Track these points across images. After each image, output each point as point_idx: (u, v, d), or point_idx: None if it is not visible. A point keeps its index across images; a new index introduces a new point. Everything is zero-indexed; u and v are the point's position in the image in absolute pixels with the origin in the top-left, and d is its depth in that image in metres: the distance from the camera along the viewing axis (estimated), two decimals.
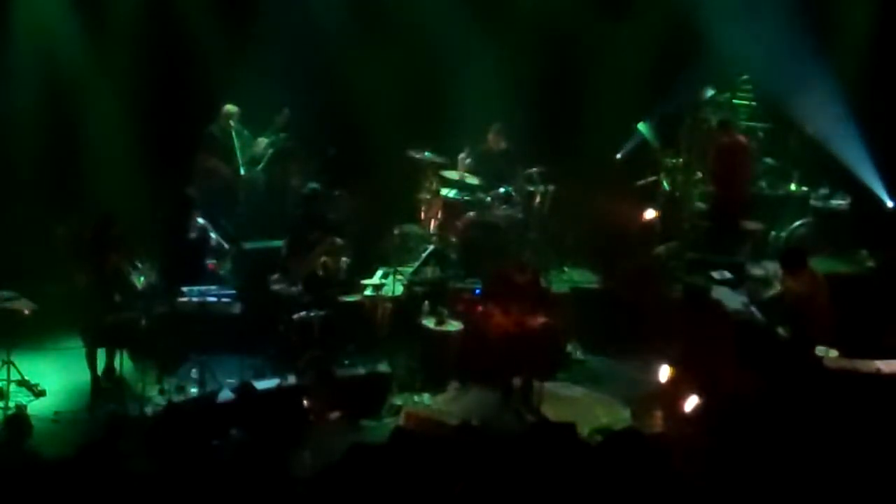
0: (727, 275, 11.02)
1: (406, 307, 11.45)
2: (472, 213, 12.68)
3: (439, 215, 12.81)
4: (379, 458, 7.24)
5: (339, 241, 11.32)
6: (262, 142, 12.83)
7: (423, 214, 13.04)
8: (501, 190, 12.76)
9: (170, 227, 11.36)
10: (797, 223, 12.54)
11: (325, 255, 11.10)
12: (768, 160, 13.11)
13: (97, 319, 10.30)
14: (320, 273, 11.04)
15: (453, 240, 12.63)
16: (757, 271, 11.27)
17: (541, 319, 10.62)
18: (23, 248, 11.85)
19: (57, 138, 12.76)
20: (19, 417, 9.27)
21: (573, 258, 13.22)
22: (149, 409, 9.91)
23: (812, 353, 9.71)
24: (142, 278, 10.47)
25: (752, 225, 12.55)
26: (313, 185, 11.99)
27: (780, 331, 9.96)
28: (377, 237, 12.84)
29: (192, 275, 10.86)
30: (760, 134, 13.06)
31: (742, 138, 12.48)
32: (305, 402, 10.05)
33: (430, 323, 11.10)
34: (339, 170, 13.07)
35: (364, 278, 11.70)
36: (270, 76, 13.10)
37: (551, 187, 12.97)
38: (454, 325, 11.09)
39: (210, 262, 11.47)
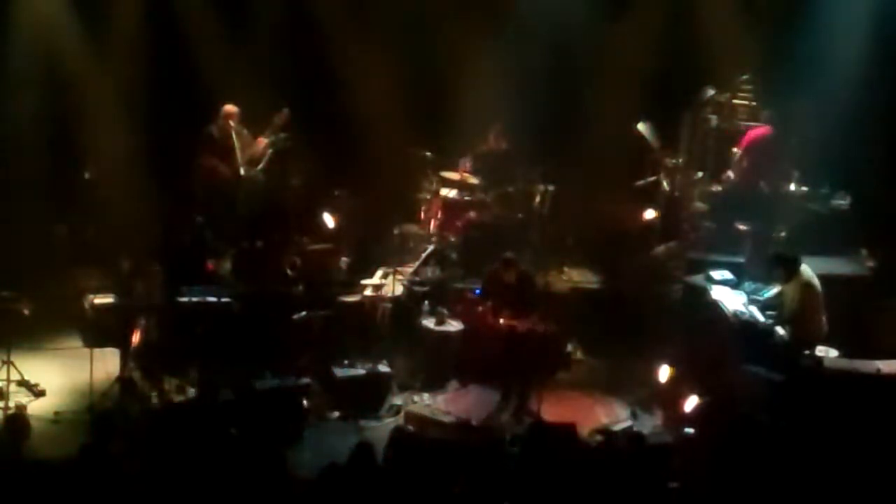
0: (727, 275, 11.01)
1: (406, 307, 11.45)
2: (472, 213, 12.69)
3: (439, 215, 12.81)
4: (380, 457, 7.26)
5: (304, 239, 11.34)
6: (262, 142, 12.82)
7: (423, 214, 13.04)
8: (501, 190, 12.76)
9: (169, 227, 11.36)
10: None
11: (292, 255, 11.12)
12: None
13: (97, 319, 10.30)
14: (289, 273, 11.04)
15: (453, 240, 12.63)
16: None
17: (531, 320, 10.59)
18: (23, 248, 11.85)
19: (56, 138, 12.75)
20: (19, 418, 9.27)
21: (573, 258, 13.22)
22: (149, 409, 9.91)
23: (809, 354, 9.71)
24: None
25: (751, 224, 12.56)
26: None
27: (780, 331, 9.96)
28: (377, 237, 12.83)
29: (191, 275, 10.85)
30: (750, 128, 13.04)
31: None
32: (305, 402, 10.06)
33: (429, 323, 11.10)
34: (340, 170, 13.08)
35: (364, 278, 11.71)
36: (270, 76, 13.10)
37: (551, 187, 12.98)
38: (454, 325, 11.09)
39: (209, 262, 11.46)
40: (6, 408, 9.77)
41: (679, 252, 12.63)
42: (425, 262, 12.25)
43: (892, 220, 12.17)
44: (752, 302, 10.38)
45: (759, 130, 12.45)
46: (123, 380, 10.25)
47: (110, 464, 7.32)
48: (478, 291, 11.32)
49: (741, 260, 11.79)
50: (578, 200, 13.22)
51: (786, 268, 9.97)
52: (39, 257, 12.00)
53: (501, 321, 10.63)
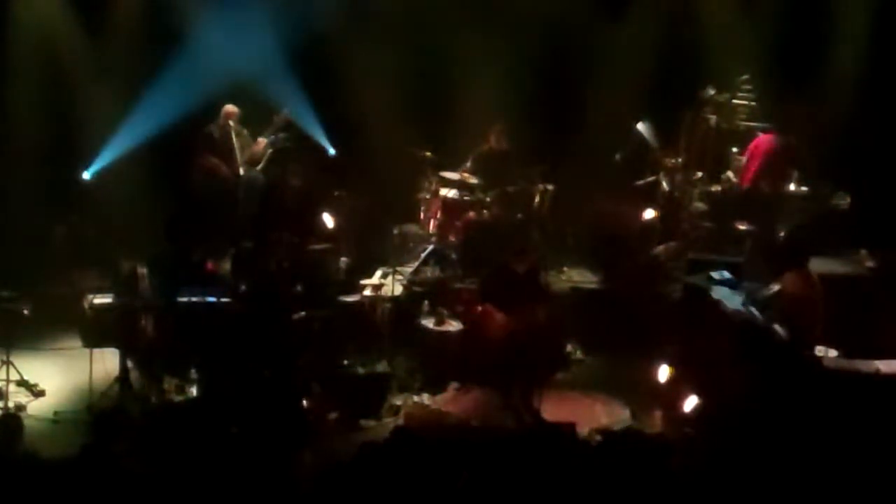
0: (727, 275, 11.00)
1: (406, 307, 11.44)
2: (471, 213, 12.69)
3: (439, 215, 12.82)
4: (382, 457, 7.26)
5: (296, 239, 11.35)
6: (262, 142, 12.84)
7: (423, 214, 13.04)
8: (501, 190, 12.77)
9: (169, 228, 11.34)
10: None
11: (282, 256, 11.09)
12: None
13: (97, 319, 10.29)
14: (276, 273, 11.01)
15: (453, 240, 12.63)
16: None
17: (541, 313, 10.60)
18: (23, 248, 11.85)
19: (57, 138, 12.76)
20: (10, 417, 9.26)
21: (573, 258, 13.22)
22: (148, 409, 9.90)
23: (809, 353, 9.70)
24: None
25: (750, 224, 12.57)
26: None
27: (780, 331, 9.95)
28: (377, 237, 12.83)
29: (191, 274, 10.85)
30: (760, 133, 13.06)
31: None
32: (305, 402, 10.05)
33: (429, 323, 11.10)
34: (340, 170, 13.08)
35: (364, 278, 11.71)
36: (270, 75, 13.10)
37: (551, 187, 12.98)
38: (454, 325, 11.08)
39: (209, 262, 11.46)
40: (6, 408, 9.77)
41: (679, 252, 12.63)
42: (425, 262, 12.25)
43: (892, 220, 12.19)
44: (751, 302, 10.37)
45: (766, 137, 12.44)
46: (123, 380, 10.26)
47: (110, 464, 7.31)
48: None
49: (741, 260, 11.79)
50: (578, 200, 13.22)
51: (796, 258, 9.92)
52: (39, 257, 12.00)
53: (509, 316, 10.60)
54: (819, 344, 9.86)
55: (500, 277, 10.89)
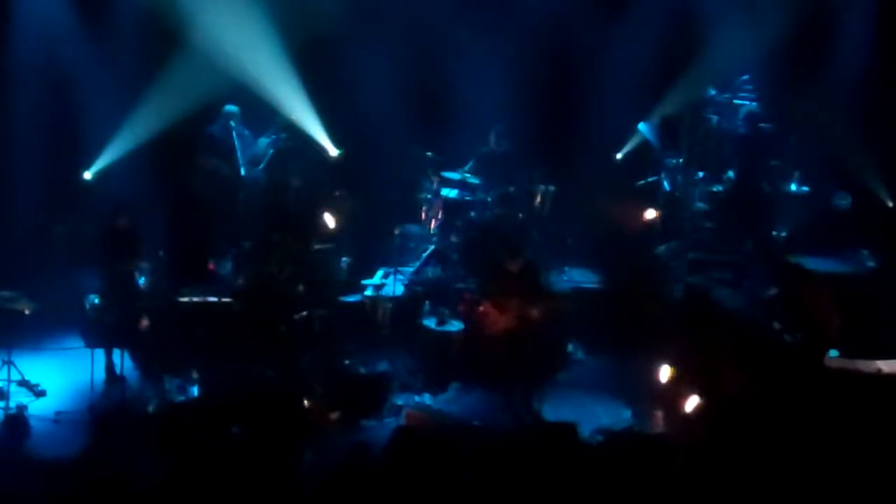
0: (727, 275, 11.02)
1: (406, 307, 11.45)
2: (472, 213, 12.70)
3: (439, 215, 12.82)
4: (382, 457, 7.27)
5: (297, 240, 11.36)
6: (263, 142, 12.84)
7: (423, 214, 13.04)
8: (502, 190, 12.78)
9: (170, 228, 11.37)
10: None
11: (288, 258, 11.08)
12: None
13: (97, 319, 10.30)
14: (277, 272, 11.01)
15: (453, 240, 12.63)
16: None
17: (540, 311, 10.60)
18: (23, 248, 11.85)
19: (57, 138, 12.76)
20: (17, 418, 9.26)
21: (573, 258, 13.23)
22: (149, 409, 9.92)
23: (823, 360, 9.68)
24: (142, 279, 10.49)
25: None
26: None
27: (778, 328, 9.95)
28: (377, 237, 12.84)
29: (192, 275, 10.86)
30: None
31: None
32: (306, 401, 10.06)
33: (430, 323, 11.10)
34: (340, 170, 13.08)
35: (364, 278, 11.71)
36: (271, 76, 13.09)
37: (551, 187, 12.98)
38: (455, 325, 11.09)
39: (210, 262, 11.48)
40: (7, 408, 9.78)
41: (680, 252, 12.64)
42: (426, 262, 12.26)
43: (892, 220, 12.19)
44: (752, 302, 10.38)
45: None
46: (121, 379, 10.27)
47: (110, 464, 7.32)
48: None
49: (741, 260, 11.81)
50: (578, 200, 13.22)
51: (796, 278, 9.94)
52: (39, 257, 12.01)
53: (507, 315, 10.61)
54: (832, 347, 9.88)
55: (496, 278, 10.91)
